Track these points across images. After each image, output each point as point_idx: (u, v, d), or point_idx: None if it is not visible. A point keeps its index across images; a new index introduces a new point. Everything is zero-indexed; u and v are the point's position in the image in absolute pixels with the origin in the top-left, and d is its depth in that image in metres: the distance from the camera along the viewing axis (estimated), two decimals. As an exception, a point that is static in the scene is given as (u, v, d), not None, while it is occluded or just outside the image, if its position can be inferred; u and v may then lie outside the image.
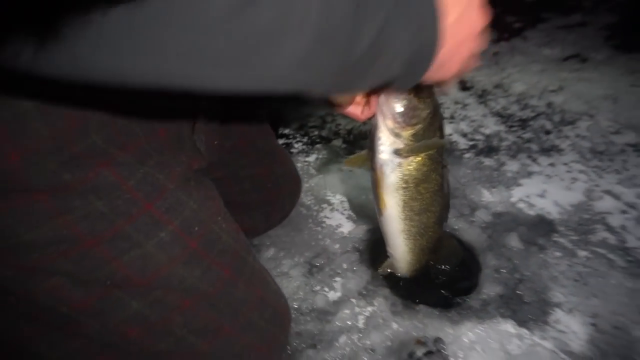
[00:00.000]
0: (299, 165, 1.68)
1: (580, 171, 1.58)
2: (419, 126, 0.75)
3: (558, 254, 1.30)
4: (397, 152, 0.78)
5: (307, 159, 1.72)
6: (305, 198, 1.53)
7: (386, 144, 0.77)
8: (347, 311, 1.18)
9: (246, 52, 0.36)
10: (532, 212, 1.44)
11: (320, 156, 1.73)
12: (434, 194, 0.85)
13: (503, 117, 1.90)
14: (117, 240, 0.61)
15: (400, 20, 0.45)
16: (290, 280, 1.28)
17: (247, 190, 1.15)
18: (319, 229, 1.42)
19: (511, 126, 1.84)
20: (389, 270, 1.05)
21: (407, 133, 0.75)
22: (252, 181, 1.15)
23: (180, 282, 0.67)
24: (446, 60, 0.54)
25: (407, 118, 0.73)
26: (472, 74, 2.15)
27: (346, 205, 1.50)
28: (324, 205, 1.50)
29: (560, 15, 2.62)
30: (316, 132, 1.87)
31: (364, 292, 1.23)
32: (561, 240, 1.35)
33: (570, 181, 1.54)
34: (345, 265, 1.31)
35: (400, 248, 0.95)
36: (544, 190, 1.52)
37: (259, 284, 0.82)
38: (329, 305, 1.21)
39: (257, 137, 1.16)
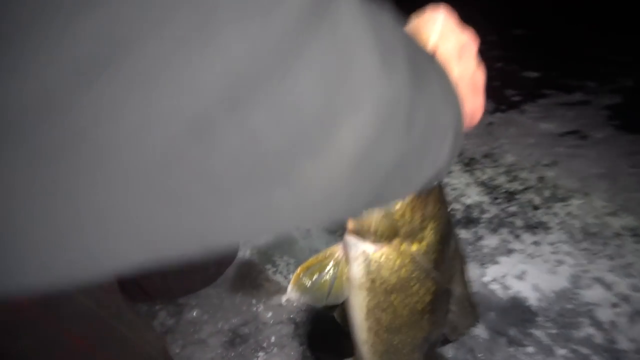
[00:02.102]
0: (253, 219, 1.52)
1: (568, 253, 1.37)
2: (402, 203, 0.55)
3: (531, 349, 1.08)
4: (366, 239, 0.57)
5: (264, 214, 1.56)
6: (250, 257, 1.35)
7: (354, 229, 0.58)
8: (259, 397, 0.96)
9: None
10: (505, 296, 1.23)
11: (280, 212, 1.57)
12: (413, 313, 0.63)
13: (488, 187, 1.73)
14: None
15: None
16: (205, 351, 1.07)
17: None
18: (254, 292, 1.23)
19: (496, 198, 1.66)
20: None
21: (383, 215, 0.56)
22: None
23: None
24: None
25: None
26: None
27: (292, 269, 1.31)
28: (268, 267, 1.32)
29: (562, 92, 2.52)
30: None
31: (288, 375, 1.02)
32: (537, 332, 1.12)
33: (555, 264, 1.34)
34: (273, 339, 1.10)
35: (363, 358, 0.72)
36: (523, 272, 1.31)
37: None
38: (241, 386, 0.99)
39: None
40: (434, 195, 0.58)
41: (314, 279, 0.59)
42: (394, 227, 0.56)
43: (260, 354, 1.07)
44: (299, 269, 0.59)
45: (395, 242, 0.57)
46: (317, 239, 1.42)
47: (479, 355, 1.06)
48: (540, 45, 3.17)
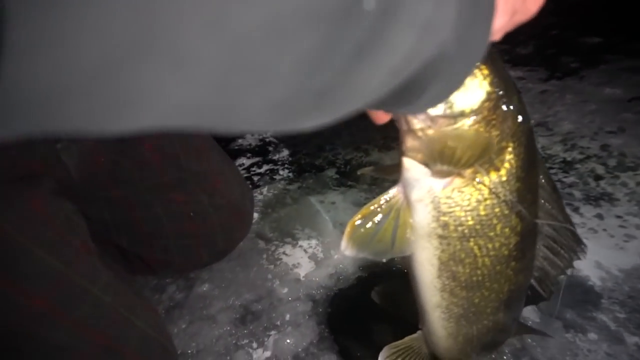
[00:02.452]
0: (275, 193, 1.41)
1: (639, 227, 1.16)
2: (468, 122, 0.42)
3: (593, 335, 0.89)
4: (431, 169, 0.45)
5: (288, 186, 1.45)
6: (269, 229, 1.24)
7: (414, 151, 0.46)
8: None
9: None
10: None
11: (305, 185, 1.45)
12: (498, 260, 0.51)
13: (542, 157, 1.52)
14: None
15: None
16: (213, 327, 0.97)
17: (157, 217, 0.92)
18: (271, 267, 1.12)
19: (550, 168, 1.46)
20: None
21: (447, 125, 0.43)
22: (165, 207, 0.92)
23: None
24: None
25: (450, 105, 0.42)
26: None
27: (313, 243, 1.18)
28: (287, 240, 1.20)
29: (626, 57, 2.23)
30: (308, 160, 1.60)
31: (302, 357, 0.89)
32: (601, 317, 0.93)
33: (624, 238, 1.13)
34: (288, 317, 0.98)
35: (435, 328, 0.60)
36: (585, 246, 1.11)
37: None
38: (248, 367, 0.88)
39: (183, 153, 0.94)
40: (512, 107, 0.44)
41: (372, 228, 0.48)
42: (466, 149, 0.43)
43: (272, 332, 0.95)
44: (353, 218, 0.48)
45: (469, 171, 0.45)
46: (342, 212, 1.29)
47: (528, 340, 0.90)
48: (600, 12, 2.86)
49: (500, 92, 0.43)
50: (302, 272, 1.09)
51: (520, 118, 0.45)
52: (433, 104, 0.36)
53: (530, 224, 0.51)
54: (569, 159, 1.50)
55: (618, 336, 0.89)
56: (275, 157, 1.64)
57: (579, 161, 1.48)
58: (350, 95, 0.26)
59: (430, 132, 0.43)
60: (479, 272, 0.51)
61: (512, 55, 2.30)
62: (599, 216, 1.22)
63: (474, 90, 0.42)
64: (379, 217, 0.48)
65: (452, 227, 0.47)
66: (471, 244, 0.48)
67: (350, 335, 0.94)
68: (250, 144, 1.72)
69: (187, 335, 0.95)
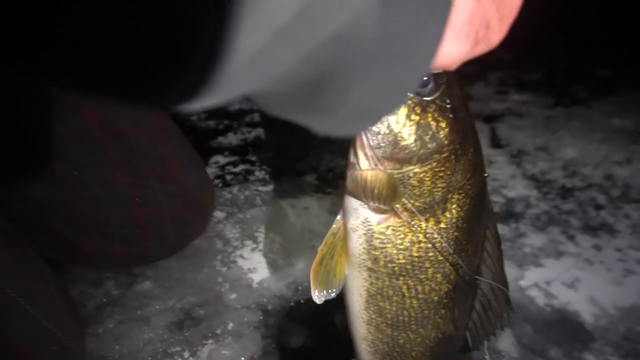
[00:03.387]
0: (247, 193, 1.30)
1: (641, 262, 1.03)
2: (415, 170, 0.42)
3: (579, 379, 0.76)
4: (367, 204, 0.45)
5: (261, 187, 1.34)
6: (230, 230, 1.13)
7: (354, 185, 0.45)
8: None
9: None
10: (549, 306, 0.92)
11: (279, 188, 1.34)
12: (427, 304, 0.49)
13: (538, 182, 1.41)
14: None
15: None
16: (144, 330, 0.85)
17: (96, 198, 0.82)
18: (224, 269, 1.00)
19: (547, 193, 1.34)
20: None
21: (392, 168, 0.43)
22: (106, 188, 0.82)
23: None
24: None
25: (395, 144, 0.41)
26: (509, 132, 1.71)
27: (275, 248, 1.07)
28: (247, 242, 1.08)
29: (637, 89, 2.13)
30: (289, 164, 1.50)
31: (237, 372, 0.77)
32: (590, 358, 0.80)
33: (622, 273, 1.01)
34: (231, 326, 0.86)
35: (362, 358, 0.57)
36: (576, 279, 0.99)
37: None
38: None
39: (134, 130, 0.84)
40: (466, 160, 0.43)
41: (327, 266, 0.48)
42: (407, 194, 0.43)
43: (209, 341, 0.83)
44: (313, 264, 0.48)
45: (406, 213, 0.44)
46: (314, 218, 1.17)
47: (502, 378, 0.77)
48: (614, 46, 2.78)
49: (456, 146, 0.42)
50: (256, 278, 0.97)
51: (471, 172, 0.44)
52: (362, 119, 0.30)
53: (466, 276, 0.49)
54: (568, 185, 1.38)
55: (608, 383, 0.76)
56: (254, 158, 1.54)
57: (579, 189, 1.36)
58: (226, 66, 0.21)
59: (370, 173, 0.42)
60: (405, 312, 0.49)
61: (519, 80, 2.21)
62: (597, 247, 1.09)
63: (427, 139, 0.41)
64: (330, 252, 0.48)
65: (382, 263, 0.47)
66: (400, 282, 0.48)
67: (298, 354, 0.82)
68: (230, 143, 1.62)
69: (113, 337, 0.83)
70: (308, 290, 0.94)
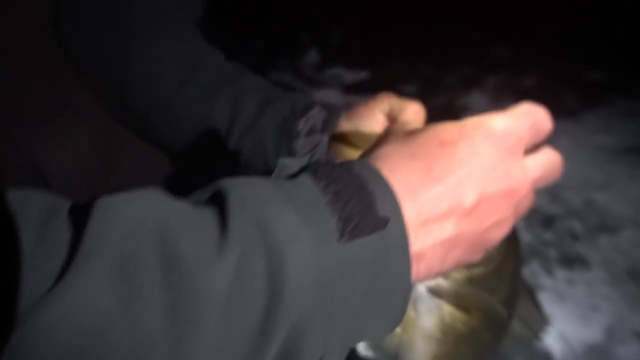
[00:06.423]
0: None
1: (606, 297, 1.20)
2: (478, 270, 0.48)
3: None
4: (433, 291, 0.51)
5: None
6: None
7: None
8: None
9: None
10: (524, 343, 1.09)
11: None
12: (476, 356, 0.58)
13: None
14: None
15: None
16: None
17: None
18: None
19: (529, 221, 1.49)
20: None
21: (457, 273, 0.49)
22: None
23: None
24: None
25: None
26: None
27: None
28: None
29: (627, 98, 2.24)
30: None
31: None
32: (555, 392, 0.98)
33: (590, 308, 1.17)
34: None
35: None
36: (550, 315, 1.15)
37: None
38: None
39: None
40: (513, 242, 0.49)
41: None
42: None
43: None
44: None
45: None
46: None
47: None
48: (606, 41, 2.84)
49: None
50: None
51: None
52: None
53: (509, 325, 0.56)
54: (551, 213, 1.53)
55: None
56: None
57: (560, 217, 1.51)
58: None
59: None
60: None
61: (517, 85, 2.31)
62: (570, 281, 1.26)
63: None
64: None
65: (450, 335, 0.52)
66: (462, 347, 0.54)
67: None
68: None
69: None
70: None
